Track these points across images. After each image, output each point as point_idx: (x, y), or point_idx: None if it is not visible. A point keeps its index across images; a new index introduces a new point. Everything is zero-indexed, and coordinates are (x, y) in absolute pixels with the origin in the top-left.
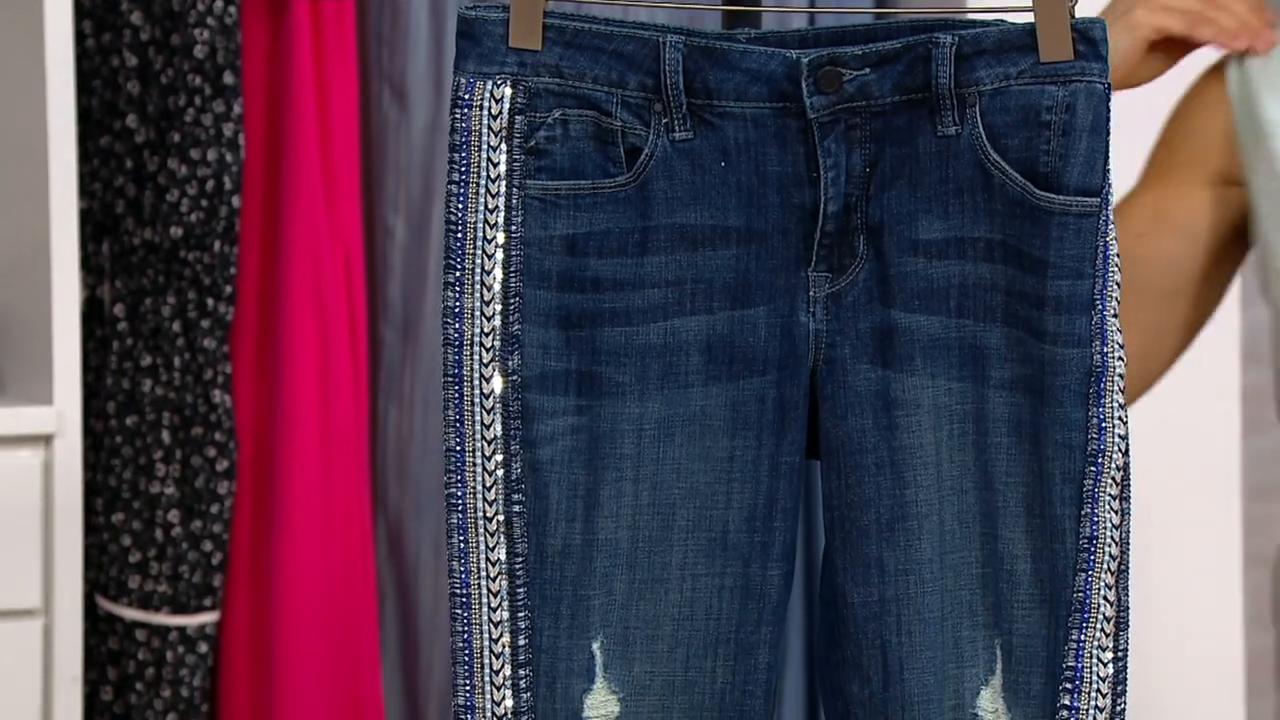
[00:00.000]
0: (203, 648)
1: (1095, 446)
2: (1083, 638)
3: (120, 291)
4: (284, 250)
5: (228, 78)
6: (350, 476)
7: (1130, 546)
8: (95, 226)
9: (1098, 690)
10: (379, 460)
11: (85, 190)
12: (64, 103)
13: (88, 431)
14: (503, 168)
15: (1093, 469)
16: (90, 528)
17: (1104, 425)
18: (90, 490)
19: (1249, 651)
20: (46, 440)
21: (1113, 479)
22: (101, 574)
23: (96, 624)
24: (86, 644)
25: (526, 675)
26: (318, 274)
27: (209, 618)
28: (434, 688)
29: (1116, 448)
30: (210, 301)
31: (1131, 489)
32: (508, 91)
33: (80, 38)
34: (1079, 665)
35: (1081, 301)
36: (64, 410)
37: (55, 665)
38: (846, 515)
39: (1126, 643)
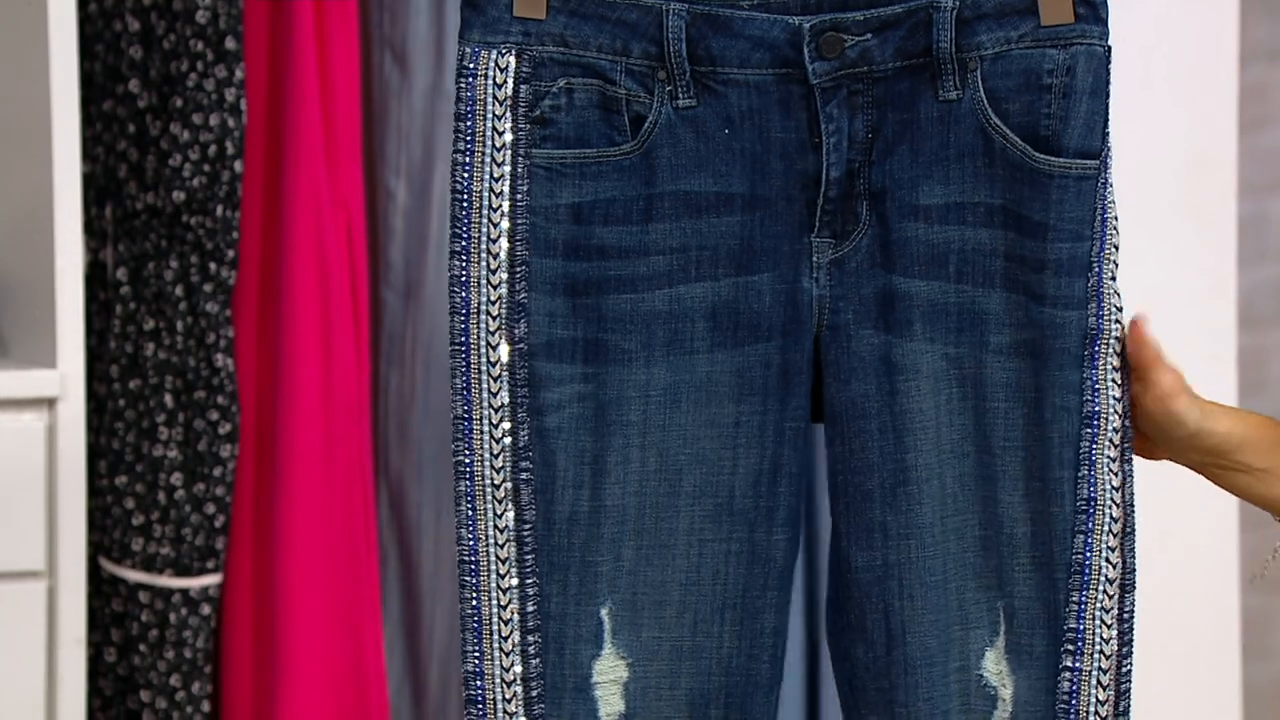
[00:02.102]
0: (206, 610)
1: (1091, 409)
2: (1084, 599)
3: (123, 255)
4: (286, 215)
5: (230, 43)
6: (352, 439)
7: (1134, 509)
8: (98, 191)
9: (1100, 652)
10: (381, 423)
11: (88, 155)
12: (67, 67)
13: (90, 395)
14: (508, 137)
15: (1089, 431)
16: (93, 490)
17: (1098, 388)
18: (93, 453)
19: (1245, 613)
20: (50, 403)
21: (1110, 441)
22: (105, 536)
23: (100, 586)
24: (90, 606)
25: (535, 641)
26: (319, 238)
27: (212, 580)
28: (436, 650)
29: (1113, 409)
30: (212, 266)
31: (1132, 451)
32: (512, 61)
33: (83, 2)
34: (1080, 627)
35: (1080, 264)
36: (67, 374)
37: (59, 627)
38: (850, 480)
39: (1132, 605)
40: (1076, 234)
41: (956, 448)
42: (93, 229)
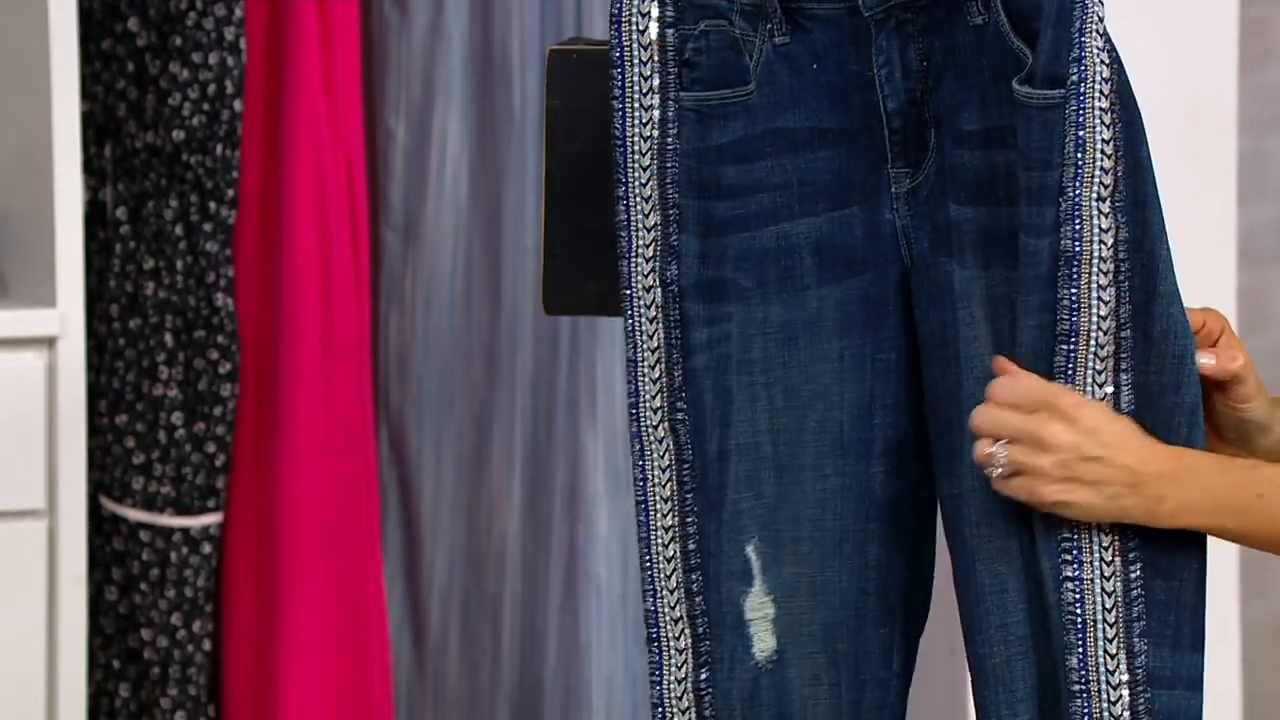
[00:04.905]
0: (206, 548)
1: (1067, 326)
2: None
3: (122, 195)
4: (285, 154)
5: None
6: (351, 378)
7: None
8: (97, 130)
9: (1101, 559)
10: (380, 362)
11: (87, 93)
12: (65, 6)
13: (91, 334)
14: (655, 81)
15: (1064, 348)
16: (94, 429)
17: (1077, 306)
18: (93, 392)
19: (1244, 552)
20: (50, 343)
21: (1095, 355)
22: (105, 475)
23: (100, 525)
24: (90, 545)
25: (698, 579)
26: (319, 177)
27: (212, 519)
28: (436, 588)
29: (1096, 326)
30: (212, 205)
31: (1128, 363)
32: (654, 9)
33: None
34: (1075, 537)
35: (1050, 192)
36: (67, 313)
37: (59, 566)
38: (935, 408)
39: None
40: (1045, 163)
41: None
42: (92, 168)
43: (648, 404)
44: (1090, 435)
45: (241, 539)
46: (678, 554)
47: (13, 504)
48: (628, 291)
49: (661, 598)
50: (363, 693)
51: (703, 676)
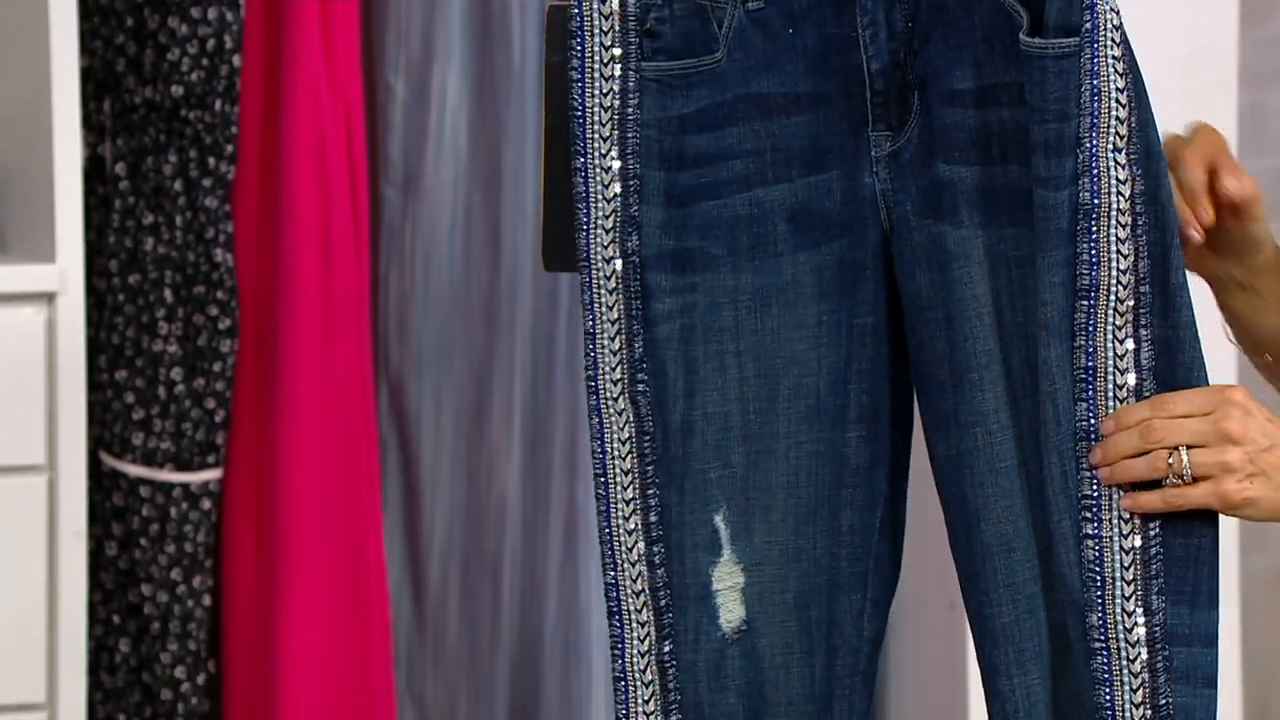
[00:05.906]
0: (206, 504)
1: (1087, 281)
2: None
3: (122, 150)
4: (285, 109)
5: None
6: (351, 334)
7: (1154, 376)
8: (96, 85)
9: (1120, 518)
10: (380, 318)
11: (85, 48)
12: None
13: (90, 289)
14: (616, 51)
15: (1085, 303)
16: (94, 385)
17: (1097, 260)
18: (93, 348)
19: None
20: (49, 298)
21: (1114, 310)
22: (105, 431)
23: (100, 480)
24: (90, 500)
25: (659, 551)
26: (319, 133)
27: (212, 474)
28: (435, 543)
29: (1116, 281)
30: (211, 160)
31: (1147, 317)
32: None
33: None
34: (1095, 493)
35: (1068, 143)
36: (66, 268)
37: (59, 521)
38: (923, 371)
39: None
40: (1061, 113)
41: (1021, 329)
42: (91, 123)
43: (607, 376)
44: (1266, 425)
45: (241, 495)
46: (639, 526)
47: (13, 459)
48: (585, 264)
49: (623, 570)
50: (362, 649)
51: (666, 649)
